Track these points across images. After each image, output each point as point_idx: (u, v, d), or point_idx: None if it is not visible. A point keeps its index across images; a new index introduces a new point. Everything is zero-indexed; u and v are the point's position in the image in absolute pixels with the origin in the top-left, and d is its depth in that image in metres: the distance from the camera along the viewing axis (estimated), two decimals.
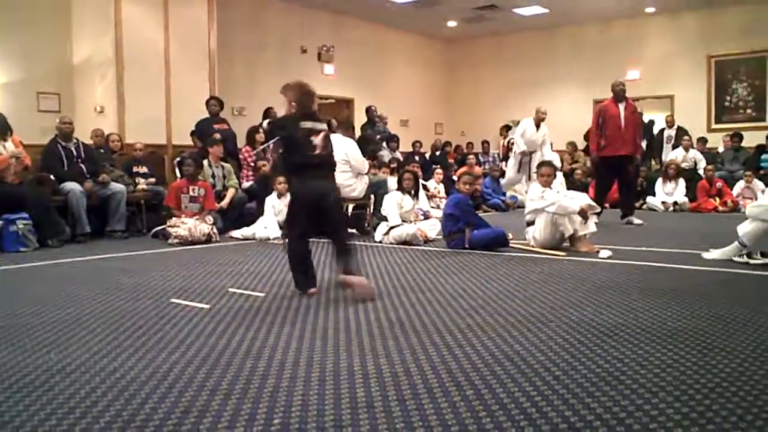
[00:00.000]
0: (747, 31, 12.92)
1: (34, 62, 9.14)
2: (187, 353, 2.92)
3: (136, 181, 8.26)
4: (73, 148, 7.60)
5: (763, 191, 10.55)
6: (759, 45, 12.81)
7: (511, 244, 6.38)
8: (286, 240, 4.47)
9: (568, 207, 6.11)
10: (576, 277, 4.79)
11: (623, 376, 2.54)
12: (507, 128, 14.26)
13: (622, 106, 8.61)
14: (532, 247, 6.28)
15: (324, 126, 4.48)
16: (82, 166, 7.57)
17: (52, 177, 7.46)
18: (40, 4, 9.25)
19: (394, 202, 7.06)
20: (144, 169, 8.56)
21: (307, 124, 4.30)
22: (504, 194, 11.70)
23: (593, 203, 6.47)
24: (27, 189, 6.96)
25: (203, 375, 2.61)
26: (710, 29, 13.46)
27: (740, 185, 10.98)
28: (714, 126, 13.39)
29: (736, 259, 5.31)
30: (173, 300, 4.07)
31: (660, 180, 11.40)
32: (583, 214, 6.12)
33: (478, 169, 12.54)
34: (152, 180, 8.51)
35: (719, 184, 10.99)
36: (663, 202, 11.09)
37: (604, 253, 5.77)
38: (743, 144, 12.19)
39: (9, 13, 8.61)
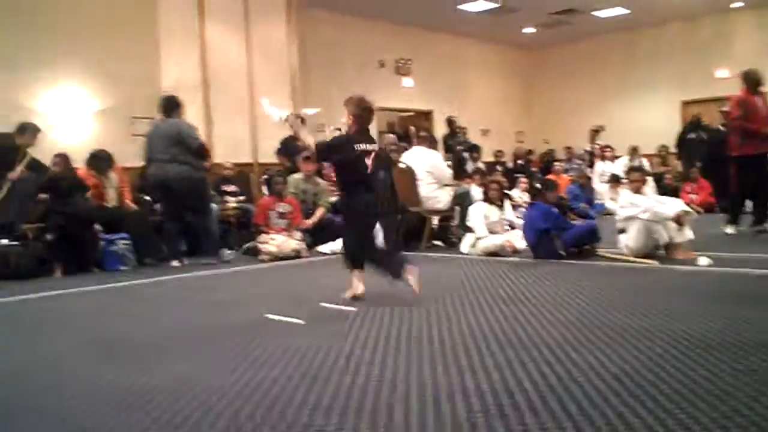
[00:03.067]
0: None
1: (127, 88, 9.53)
2: (287, 369, 2.96)
3: (226, 199, 8.49)
4: None
5: None
6: None
7: (602, 253, 6.22)
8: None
9: (662, 213, 5.90)
10: (675, 286, 4.62)
11: (744, 396, 2.41)
12: (596, 132, 13.90)
13: (759, 99, 7.63)
14: (626, 255, 6.09)
15: (375, 146, 4.77)
16: None
17: (148, 198, 7.75)
18: (130, 32, 9.65)
19: (480, 213, 7.00)
20: (233, 188, 8.79)
21: (361, 146, 4.57)
22: (590, 201, 11.41)
23: (689, 208, 6.23)
24: (126, 211, 7.26)
25: (304, 391, 2.64)
26: None
27: None
28: None
29: None
30: (268, 315, 4.14)
31: None
32: (679, 220, 5.89)
33: (564, 177, 12.31)
34: (242, 198, 8.73)
35: None
36: None
37: (703, 261, 5.51)
38: None
39: (103, 43, 9.02)
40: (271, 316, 4.11)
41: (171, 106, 7.07)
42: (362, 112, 4.66)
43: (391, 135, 9.66)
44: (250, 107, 9.75)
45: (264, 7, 10.18)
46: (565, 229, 6.31)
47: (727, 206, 8.26)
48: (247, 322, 4.02)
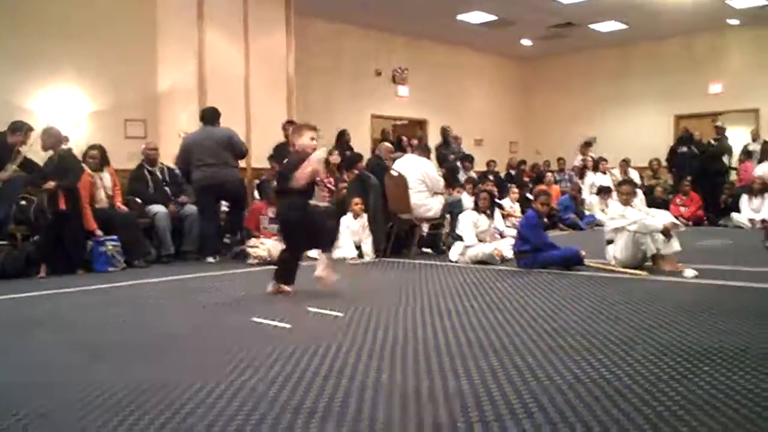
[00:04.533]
0: None
1: (122, 91, 9.54)
2: (270, 372, 2.97)
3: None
4: (158, 173, 7.91)
5: None
6: None
7: (589, 263, 6.26)
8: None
9: (650, 225, 5.95)
10: (661, 297, 4.65)
11: (719, 403, 2.43)
12: (588, 144, 14.00)
13: None
14: (613, 266, 6.13)
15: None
16: (167, 189, 7.86)
17: (138, 200, 7.76)
18: (128, 35, 9.66)
19: (470, 222, 7.03)
20: None
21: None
22: (578, 212, 11.46)
23: (677, 221, 6.28)
24: (116, 212, 7.26)
25: (287, 394, 2.65)
26: None
27: None
28: None
29: None
30: (255, 319, 4.15)
31: (745, 196, 10.98)
32: (666, 232, 5.94)
33: (555, 188, 12.38)
34: None
35: None
36: (750, 219, 10.67)
37: (690, 273, 5.57)
38: None
39: (99, 45, 9.03)
40: (257, 320, 4.13)
41: (214, 116, 7.75)
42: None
43: (387, 144, 9.73)
44: (244, 113, 9.75)
45: (263, 14, 10.21)
46: (540, 249, 6.32)
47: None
48: (233, 326, 4.03)
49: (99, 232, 6.87)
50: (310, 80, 11.72)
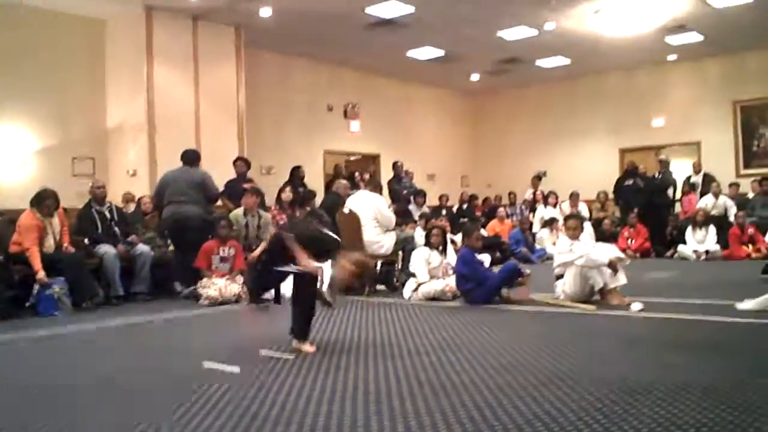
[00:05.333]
0: None
1: (70, 127, 9.45)
2: (219, 418, 2.94)
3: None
4: (106, 212, 7.78)
5: None
6: None
7: (539, 298, 6.36)
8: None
9: (597, 259, 6.08)
10: (607, 331, 4.75)
11: None
12: (538, 178, 14.32)
13: None
14: (562, 300, 6.23)
15: None
16: (116, 229, 7.73)
17: (86, 240, 7.61)
18: (75, 70, 9.60)
19: (422, 258, 7.08)
20: None
21: None
22: (528, 245, 11.64)
23: (622, 255, 6.44)
24: (62, 254, 7.10)
25: None
26: (734, 75, 13.50)
27: None
28: (743, 171, 13.30)
29: None
30: (205, 363, 4.09)
31: (690, 228, 11.31)
32: (613, 266, 6.08)
33: (507, 222, 12.58)
34: None
35: (751, 230, 10.85)
36: (695, 251, 10.98)
37: (636, 306, 5.70)
38: None
39: (45, 79, 8.93)
40: (207, 364, 4.07)
41: (195, 158, 8.16)
42: None
43: (344, 181, 9.82)
44: (196, 148, 9.71)
45: (213, 49, 10.23)
46: (482, 284, 6.43)
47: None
48: (180, 370, 3.97)
49: (41, 274, 6.66)
50: (262, 115, 11.74)
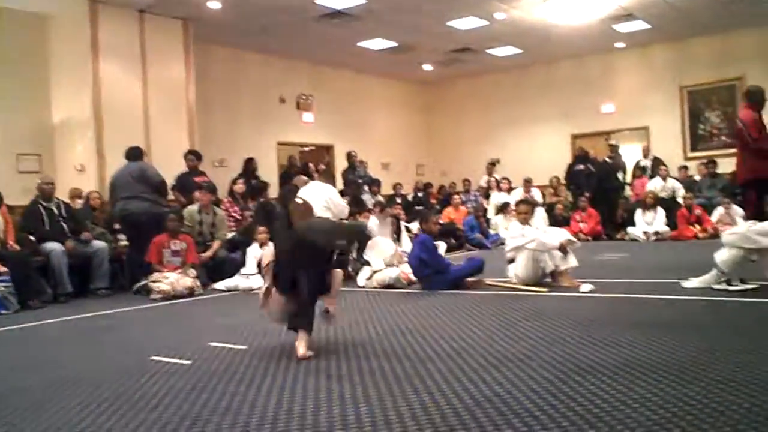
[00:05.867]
0: (716, 61, 13.21)
1: (13, 124, 9.19)
2: (166, 411, 2.89)
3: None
4: (54, 208, 7.59)
5: (741, 217, 10.66)
6: (728, 74, 13.08)
7: (492, 282, 6.42)
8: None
9: (547, 243, 6.16)
10: (558, 312, 4.81)
11: (605, 414, 2.54)
12: (492, 165, 14.46)
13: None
14: (515, 284, 6.30)
15: None
16: (64, 225, 7.55)
17: (32, 238, 7.42)
18: (18, 66, 9.34)
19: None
20: None
21: None
22: (483, 231, 11.74)
23: (572, 238, 6.53)
24: (7, 252, 6.91)
25: None
26: (681, 61, 13.75)
27: (719, 212, 11.06)
28: (690, 154, 13.59)
29: (716, 286, 5.35)
30: (153, 357, 4.03)
31: (639, 210, 11.53)
32: (563, 249, 6.17)
33: (462, 208, 12.66)
34: None
35: (698, 211, 11.10)
36: (644, 232, 11.20)
37: (586, 287, 5.80)
38: (718, 171, 12.32)
39: None
40: (156, 358, 4.01)
41: (136, 154, 8.05)
42: None
43: (304, 177, 9.75)
44: (144, 143, 9.52)
45: (160, 43, 10.02)
46: (440, 271, 6.47)
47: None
48: (130, 364, 3.90)
49: None
50: (213, 108, 11.57)
